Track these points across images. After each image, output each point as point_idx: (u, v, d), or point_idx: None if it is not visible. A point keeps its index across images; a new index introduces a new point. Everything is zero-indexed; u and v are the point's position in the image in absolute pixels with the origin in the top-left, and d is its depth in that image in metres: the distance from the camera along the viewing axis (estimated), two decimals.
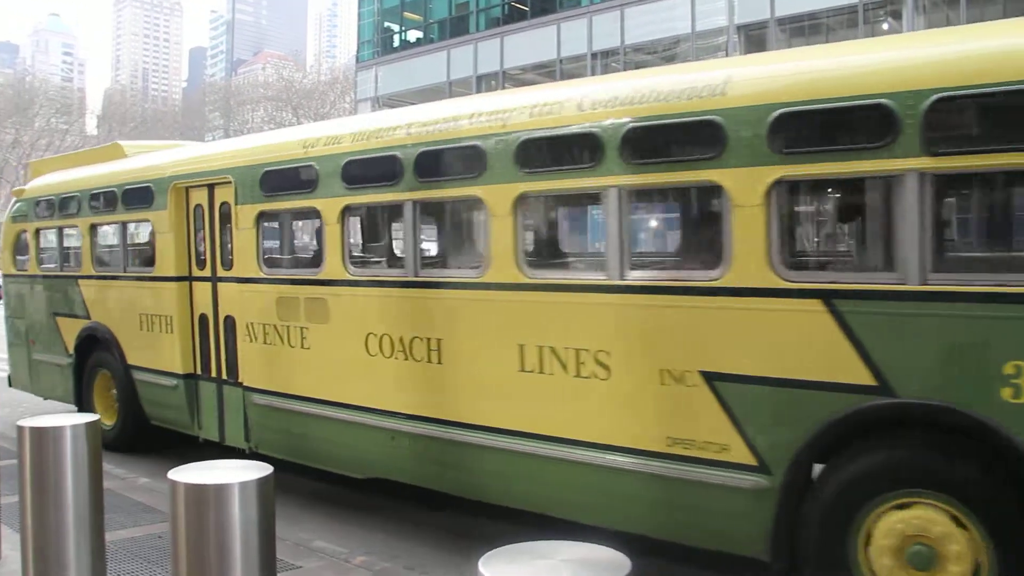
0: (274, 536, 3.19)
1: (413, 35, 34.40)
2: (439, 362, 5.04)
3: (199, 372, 6.96)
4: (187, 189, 6.93)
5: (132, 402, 7.65)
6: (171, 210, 6.96)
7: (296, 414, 5.99)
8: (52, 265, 8.90)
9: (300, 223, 9.10)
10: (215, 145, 7.62)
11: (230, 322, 6.58)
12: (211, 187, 6.72)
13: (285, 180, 6.05)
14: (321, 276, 5.76)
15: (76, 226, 8.28)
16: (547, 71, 28.79)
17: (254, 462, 3.24)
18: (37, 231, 8.98)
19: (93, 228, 8.03)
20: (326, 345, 5.74)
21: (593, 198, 4.94)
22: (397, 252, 6.86)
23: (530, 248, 5.26)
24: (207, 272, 6.82)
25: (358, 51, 37.89)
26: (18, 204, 9.31)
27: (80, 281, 8.21)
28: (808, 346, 3.71)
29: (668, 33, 25.60)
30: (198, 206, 6.89)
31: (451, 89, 30.39)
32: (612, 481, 4.34)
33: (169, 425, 7.44)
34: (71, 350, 8.33)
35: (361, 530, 5.62)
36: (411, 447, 5.28)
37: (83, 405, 8.32)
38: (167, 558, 4.09)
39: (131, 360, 7.58)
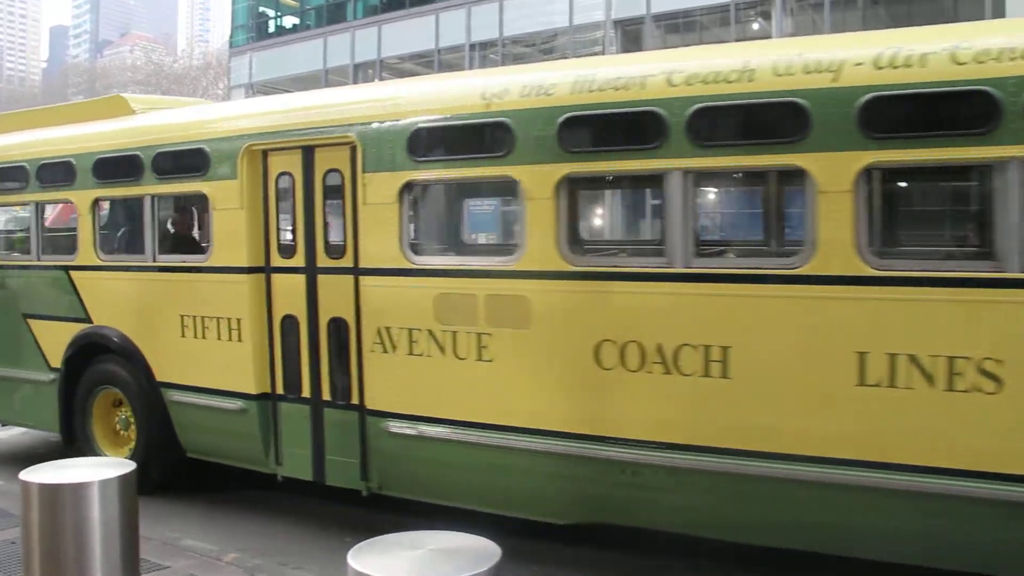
0: (137, 536, 3.14)
1: (289, 21, 34.14)
2: (724, 376, 3.88)
3: (281, 391, 5.35)
4: (265, 153, 5.29)
5: (161, 431, 5.87)
6: (243, 180, 5.28)
7: (463, 446, 4.60)
8: (22, 252, 6.82)
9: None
10: (296, 98, 5.85)
11: (340, 327, 5.05)
12: (309, 150, 5.14)
13: (453, 141, 4.63)
14: (519, 267, 4.41)
15: (69, 201, 6.31)
16: (425, 61, 28.88)
17: (112, 459, 3.05)
18: None
19: (97, 204, 6.11)
20: (523, 357, 4.40)
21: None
22: (641, 235, 5.54)
23: (872, 232, 4.21)
24: (297, 261, 5.23)
25: (232, 36, 36.97)
26: None
27: (74, 273, 6.26)
28: None
29: (546, 26, 26.24)
30: (284, 175, 5.28)
31: (327, 78, 30.24)
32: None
33: (224, 459, 5.75)
34: (56, 363, 6.36)
35: (233, 525, 5.44)
36: (667, 481, 4.08)
37: (73, 434, 6.39)
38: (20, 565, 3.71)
39: (162, 376, 5.79)
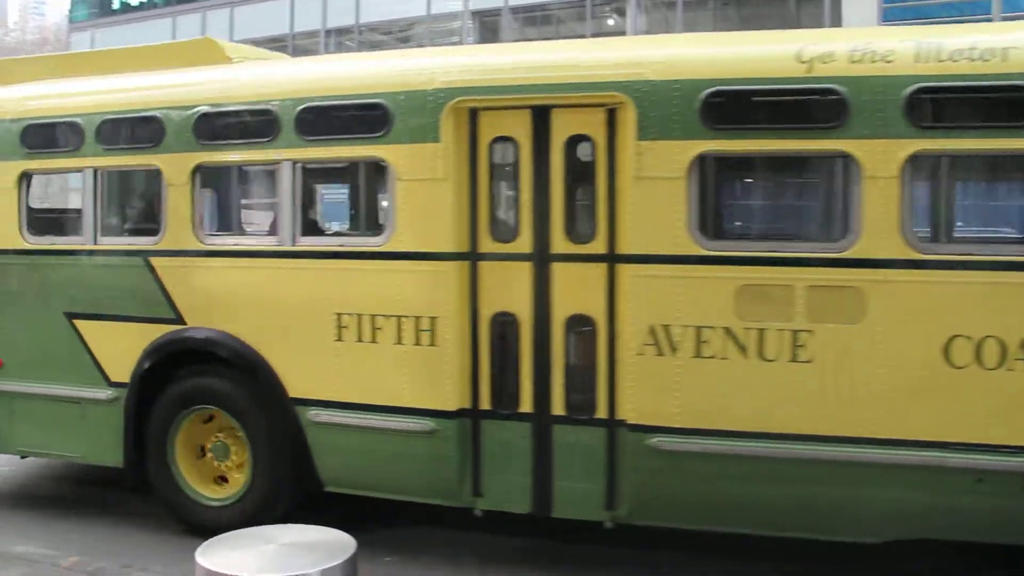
0: None
1: None
2: None
3: (487, 407, 4.34)
4: (474, 112, 4.28)
5: (288, 460, 4.65)
6: (448, 144, 4.24)
7: (764, 461, 3.88)
8: (65, 234, 5.24)
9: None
10: (521, 50, 4.79)
11: (582, 326, 4.16)
12: (543, 111, 4.20)
13: (761, 108, 3.91)
14: (851, 254, 3.76)
15: (154, 167, 4.87)
16: (279, 45, 27.42)
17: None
18: (25, 177, 5.22)
19: (198, 172, 4.76)
20: (851, 356, 3.75)
21: None
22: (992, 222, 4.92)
23: None
24: (519, 246, 4.26)
25: (72, 10, 34.22)
26: None
27: (157, 260, 4.86)
28: None
29: (403, 15, 26.06)
30: (502, 140, 4.29)
31: None
32: None
33: (386, 493, 4.62)
34: (120, 376, 4.92)
35: (73, 528, 5.16)
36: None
37: (140, 467, 4.98)
38: None
39: (300, 391, 4.57)
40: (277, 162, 4.59)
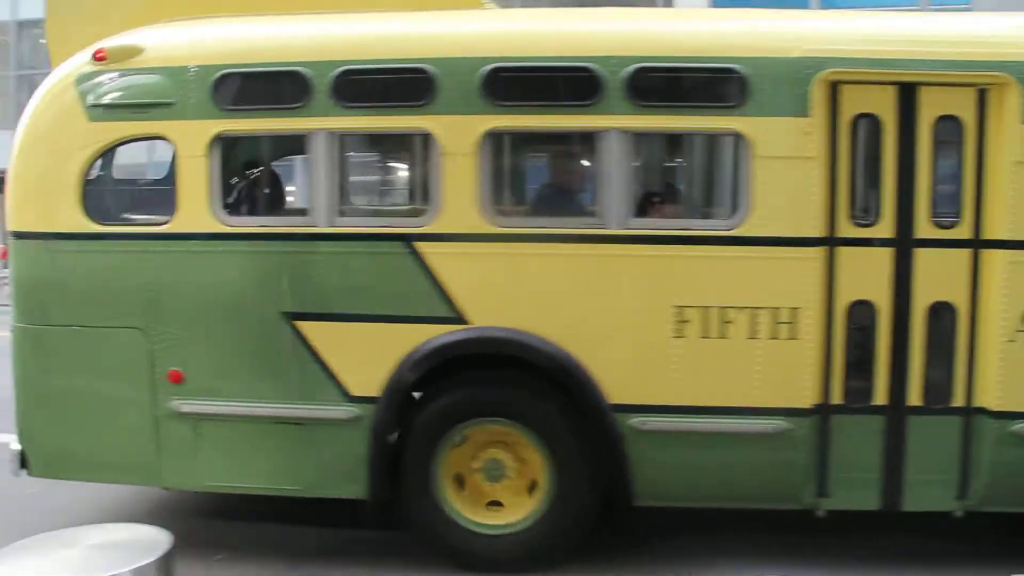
0: None
1: None
2: None
3: (839, 401, 4.05)
4: (835, 86, 3.93)
5: (595, 476, 4.07)
6: (817, 119, 3.87)
7: None
8: (277, 214, 4.06)
9: None
10: (884, 20, 4.28)
11: (943, 313, 4.02)
12: (910, 87, 3.95)
13: None
14: None
15: (422, 130, 3.90)
16: None
17: None
18: (220, 141, 3.97)
19: (487, 139, 3.90)
20: None
21: None
22: None
23: None
24: (881, 230, 3.98)
25: None
26: (113, 80, 4.05)
27: (426, 246, 3.95)
28: None
29: None
30: (862, 116, 3.98)
31: None
32: None
33: (707, 501, 4.20)
34: (365, 390, 3.99)
35: None
36: None
37: (389, 498, 4.10)
38: None
39: (621, 396, 3.97)
40: (603, 130, 3.90)
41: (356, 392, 4.03)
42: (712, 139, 4.55)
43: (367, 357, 4.01)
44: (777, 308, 3.96)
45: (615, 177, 3.93)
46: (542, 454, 4.10)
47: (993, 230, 3.97)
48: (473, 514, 4.18)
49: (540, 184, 4.64)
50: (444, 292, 3.98)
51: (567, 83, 3.96)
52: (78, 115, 4.13)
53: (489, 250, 3.98)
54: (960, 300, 4.04)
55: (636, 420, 4.01)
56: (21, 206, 4.26)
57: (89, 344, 4.18)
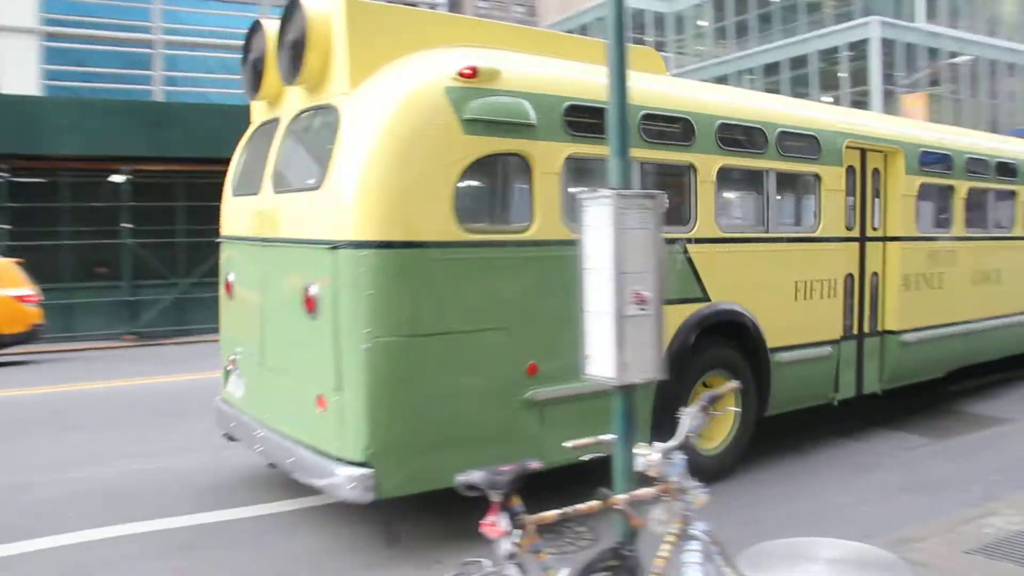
0: None
1: None
2: None
3: None
4: (847, 151, 6.63)
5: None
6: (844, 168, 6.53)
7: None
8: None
9: None
10: None
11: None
12: (863, 152, 6.89)
13: None
14: None
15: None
16: None
17: None
18: (569, 162, 4.83)
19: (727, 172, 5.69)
20: None
21: None
22: None
23: None
24: (855, 232, 6.85)
25: None
26: (484, 98, 4.55)
27: (690, 247, 5.43)
28: None
29: None
30: (850, 168, 6.75)
31: None
32: None
33: None
34: None
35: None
36: None
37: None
38: None
39: (775, 341, 6.04)
40: (764, 170, 5.95)
41: None
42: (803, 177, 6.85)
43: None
44: (831, 279, 6.54)
45: (772, 203, 6.03)
46: (738, 392, 5.89)
47: (893, 231, 7.20)
48: (699, 443, 5.74)
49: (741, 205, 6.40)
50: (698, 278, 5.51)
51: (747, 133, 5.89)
52: (453, 127, 4.40)
53: (718, 249, 5.66)
54: (880, 269, 7.19)
55: (777, 357, 6.13)
56: (388, 215, 4.24)
57: (460, 349, 4.44)
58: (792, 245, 6.32)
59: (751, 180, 6.24)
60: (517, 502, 2.56)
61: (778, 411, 6.39)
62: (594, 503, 2.76)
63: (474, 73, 4.51)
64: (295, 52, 4.75)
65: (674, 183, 5.49)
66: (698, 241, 5.54)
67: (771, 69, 39.29)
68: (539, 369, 4.72)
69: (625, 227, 3.30)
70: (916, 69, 34.79)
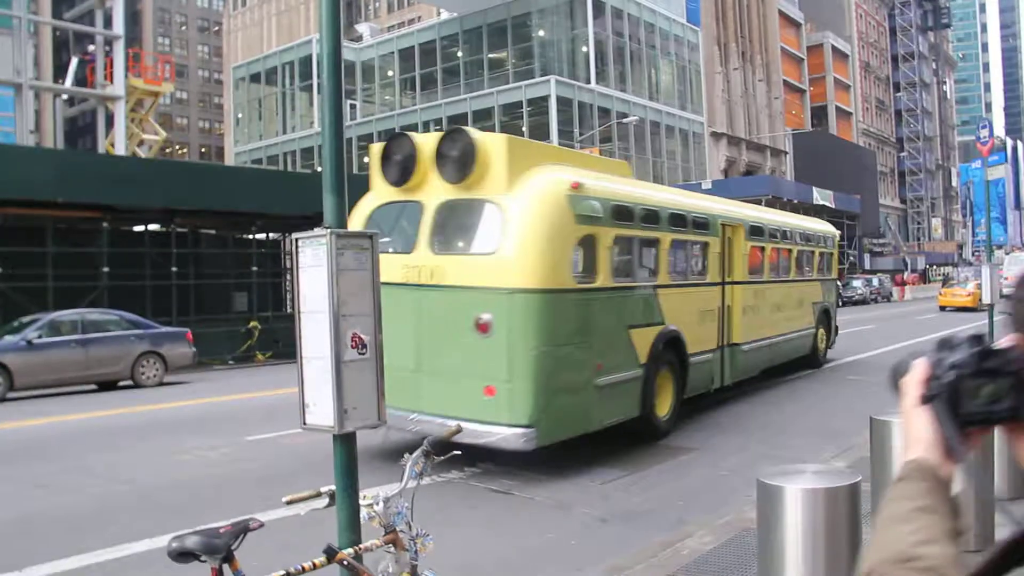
0: None
1: None
2: None
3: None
4: (721, 226, 10.45)
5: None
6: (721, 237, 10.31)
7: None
8: (625, 277, 7.99)
9: None
10: None
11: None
12: (725, 226, 10.78)
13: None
14: None
15: None
16: None
17: None
18: (616, 240, 7.85)
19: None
20: None
21: None
22: None
23: None
24: (724, 279, 10.72)
25: None
26: (581, 201, 7.72)
27: (658, 290, 8.78)
28: None
29: None
30: (726, 238, 10.58)
31: None
32: None
33: None
34: (643, 359, 8.56)
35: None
36: None
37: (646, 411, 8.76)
38: None
39: (691, 347, 9.58)
40: (660, 240, 9.54)
41: (642, 361, 8.44)
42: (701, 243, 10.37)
43: (645, 344, 8.49)
44: (713, 309, 10.27)
45: (690, 259, 9.61)
46: (673, 378, 9.25)
47: (736, 277, 11.18)
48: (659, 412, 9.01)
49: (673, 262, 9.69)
50: (661, 311, 8.83)
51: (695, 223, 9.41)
52: (570, 218, 7.27)
53: (670, 291, 9.05)
54: (730, 303, 11.12)
55: (692, 359, 9.65)
56: (543, 272, 6.93)
57: (573, 354, 7.32)
58: (699, 288, 9.97)
59: (681, 246, 9.77)
60: (237, 566, 2.48)
61: (691, 394, 9.90)
62: (319, 559, 2.60)
63: (578, 186, 7.45)
64: (463, 163, 7.26)
65: (648, 249, 8.86)
66: (660, 287, 8.89)
67: (458, 120, 38.50)
68: (602, 367, 7.71)
69: (343, 268, 3.15)
70: (590, 126, 37.61)
